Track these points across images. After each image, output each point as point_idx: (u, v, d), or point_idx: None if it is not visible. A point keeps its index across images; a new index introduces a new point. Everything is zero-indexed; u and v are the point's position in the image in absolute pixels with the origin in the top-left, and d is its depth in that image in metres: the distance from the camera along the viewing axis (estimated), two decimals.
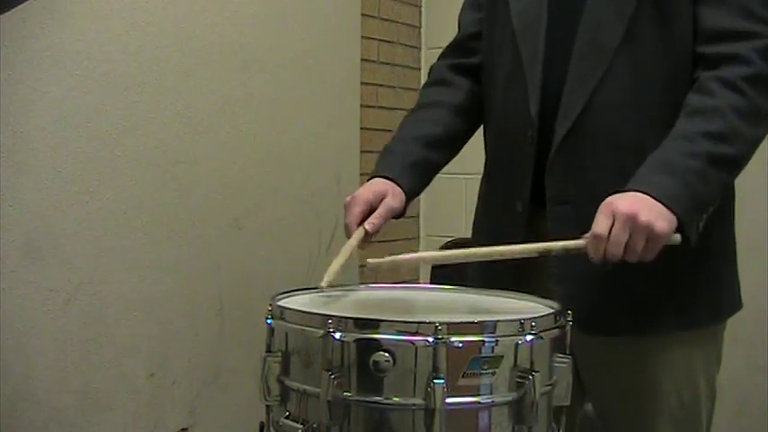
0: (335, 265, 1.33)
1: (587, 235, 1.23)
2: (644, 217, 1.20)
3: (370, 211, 1.42)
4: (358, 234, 1.39)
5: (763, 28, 1.31)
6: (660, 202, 1.22)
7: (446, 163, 1.58)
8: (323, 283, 1.30)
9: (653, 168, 1.27)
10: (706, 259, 1.40)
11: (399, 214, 1.48)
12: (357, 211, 1.41)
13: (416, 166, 1.51)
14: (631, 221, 1.20)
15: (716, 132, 1.26)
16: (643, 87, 1.37)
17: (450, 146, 1.58)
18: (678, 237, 1.24)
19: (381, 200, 1.42)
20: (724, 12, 1.33)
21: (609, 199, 1.23)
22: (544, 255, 1.27)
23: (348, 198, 1.43)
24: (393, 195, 1.44)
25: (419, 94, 1.66)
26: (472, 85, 1.59)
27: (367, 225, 1.40)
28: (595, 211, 1.23)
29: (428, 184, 1.56)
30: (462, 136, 1.60)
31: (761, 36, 1.31)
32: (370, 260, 1.27)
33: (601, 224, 1.21)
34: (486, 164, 1.58)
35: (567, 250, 1.26)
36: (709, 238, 1.36)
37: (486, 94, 1.55)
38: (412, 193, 1.49)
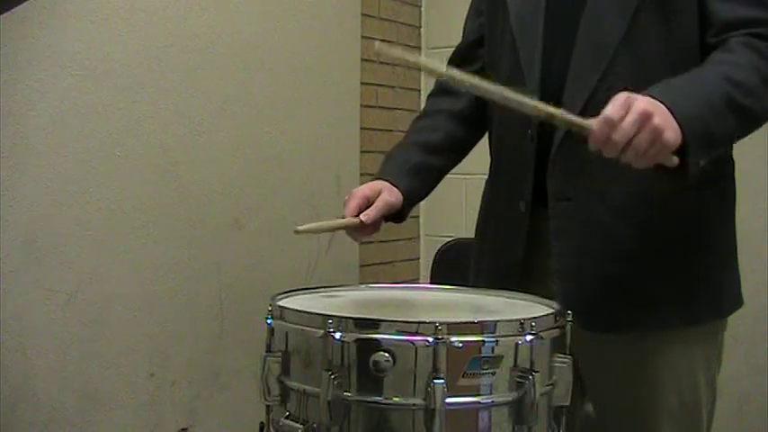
0: (319, 224, 1.36)
1: (597, 118, 1.19)
2: (657, 120, 1.17)
3: (368, 205, 1.43)
4: (351, 220, 1.41)
5: None
6: (674, 116, 1.19)
7: (448, 168, 1.60)
8: (299, 227, 1.32)
9: (675, 87, 1.25)
10: (707, 256, 1.40)
11: (399, 215, 1.49)
12: (354, 204, 1.42)
13: (414, 169, 1.53)
14: (645, 118, 1.16)
15: (738, 81, 1.25)
16: (644, 84, 1.36)
17: (450, 151, 1.59)
18: (676, 159, 1.21)
19: (378, 196, 1.44)
20: (736, 3, 1.33)
21: (626, 93, 1.20)
22: (548, 119, 1.22)
23: (347, 196, 1.45)
24: (389, 192, 1.46)
25: (425, 102, 1.68)
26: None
27: (362, 216, 1.41)
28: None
29: (430, 188, 1.57)
30: (464, 142, 1.61)
31: None
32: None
33: (615, 110, 1.17)
34: (490, 165, 1.59)
35: (570, 123, 1.21)
36: (709, 235, 1.36)
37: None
38: (411, 195, 1.50)
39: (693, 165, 1.22)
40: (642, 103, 1.17)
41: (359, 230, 1.42)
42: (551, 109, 1.21)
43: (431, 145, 1.56)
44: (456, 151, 1.61)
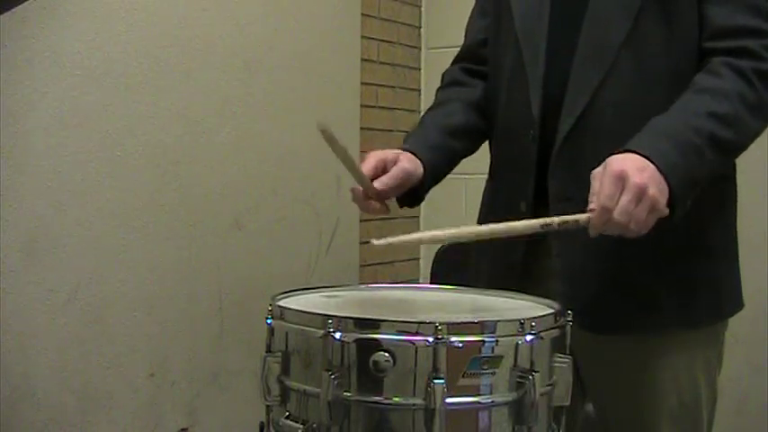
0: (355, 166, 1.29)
1: (592, 206, 1.20)
2: (653, 190, 1.18)
3: (384, 170, 1.38)
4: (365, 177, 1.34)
5: None
6: (660, 170, 1.20)
7: (465, 153, 1.57)
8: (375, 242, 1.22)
9: (657, 133, 1.26)
10: (708, 259, 1.40)
11: (416, 193, 1.44)
12: (370, 164, 1.37)
13: (437, 147, 1.49)
14: (641, 193, 1.17)
15: (722, 115, 1.26)
16: (646, 85, 1.37)
17: (468, 137, 1.57)
18: (666, 210, 1.22)
19: (395, 163, 1.39)
20: (733, 9, 1.33)
21: (616, 166, 1.19)
22: (545, 230, 1.23)
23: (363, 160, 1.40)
24: (408, 160, 1.41)
25: (435, 96, 1.65)
26: (486, 88, 1.59)
27: (376, 183, 1.36)
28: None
29: (448, 170, 1.53)
30: (479, 130, 1.58)
31: None
32: (374, 240, 1.21)
33: (608, 193, 1.18)
34: (490, 165, 1.58)
35: (566, 223, 1.22)
36: (710, 236, 1.36)
37: (492, 97, 1.56)
38: (431, 169, 1.45)
39: (681, 209, 1.24)
40: (636, 177, 1.17)
41: (369, 200, 1.36)
42: (543, 220, 1.23)
43: (450, 127, 1.54)
44: (472, 138, 1.58)
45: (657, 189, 1.19)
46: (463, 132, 1.56)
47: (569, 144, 1.38)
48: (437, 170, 1.48)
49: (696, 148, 1.24)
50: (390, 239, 1.20)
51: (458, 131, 1.54)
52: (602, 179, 1.19)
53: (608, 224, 1.19)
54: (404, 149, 1.44)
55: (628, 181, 1.18)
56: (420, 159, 1.43)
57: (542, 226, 1.23)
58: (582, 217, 1.21)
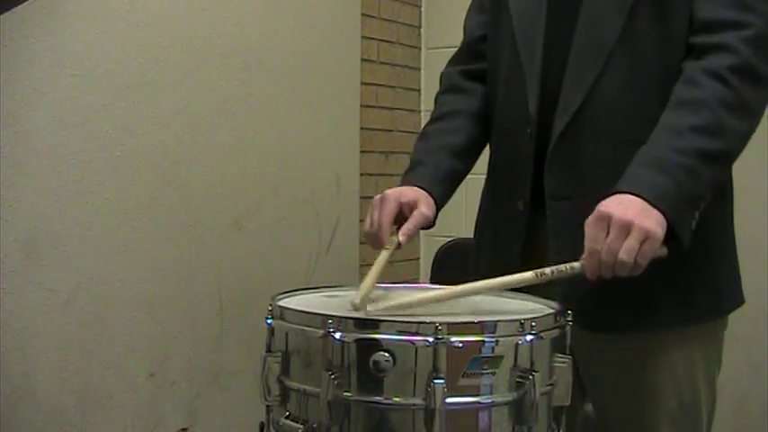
0: (370, 282, 1.27)
1: (583, 255, 1.23)
2: (641, 223, 1.19)
3: (400, 215, 1.40)
4: (391, 247, 1.37)
5: (753, 18, 1.30)
6: (649, 202, 1.20)
7: (469, 170, 1.58)
8: (357, 302, 1.21)
9: (642, 165, 1.26)
10: (705, 255, 1.39)
11: (430, 225, 1.46)
12: (390, 209, 1.38)
13: (446, 177, 1.51)
14: (627, 229, 1.19)
15: (704, 126, 1.25)
16: (641, 82, 1.37)
17: (473, 153, 1.58)
18: (665, 250, 1.23)
19: (412, 208, 1.41)
20: (715, 2, 1.32)
21: (601, 209, 1.21)
22: (543, 281, 1.25)
23: (377, 196, 1.41)
24: (427, 204, 1.43)
25: (435, 102, 1.64)
26: (485, 90, 1.59)
27: (401, 236, 1.38)
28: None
29: (453, 193, 1.55)
30: (482, 142, 1.59)
31: (750, 26, 1.29)
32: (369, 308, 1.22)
33: (595, 237, 1.20)
34: (489, 164, 1.58)
35: (562, 272, 1.24)
36: (708, 234, 1.36)
37: (490, 95, 1.56)
38: (442, 205, 1.48)
39: (684, 232, 1.24)
40: (618, 215, 1.19)
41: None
42: (541, 271, 1.24)
43: (456, 148, 1.54)
44: (477, 152, 1.59)
45: (648, 220, 1.19)
46: (467, 152, 1.56)
47: (565, 141, 1.38)
48: (446, 199, 1.51)
49: (687, 168, 1.24)
50: (386, 305, 1.21)
51: (462, 152, 1.55)
52: (587, 226, 1.22)
53: (601, 266, 1.21)
54: (417, 184, 1.45)
55: (611, 221, 1.19)
56: (433, 196, 1.45)
57: (539, 276, 1.24)
58: (575, 264, 1.23)
